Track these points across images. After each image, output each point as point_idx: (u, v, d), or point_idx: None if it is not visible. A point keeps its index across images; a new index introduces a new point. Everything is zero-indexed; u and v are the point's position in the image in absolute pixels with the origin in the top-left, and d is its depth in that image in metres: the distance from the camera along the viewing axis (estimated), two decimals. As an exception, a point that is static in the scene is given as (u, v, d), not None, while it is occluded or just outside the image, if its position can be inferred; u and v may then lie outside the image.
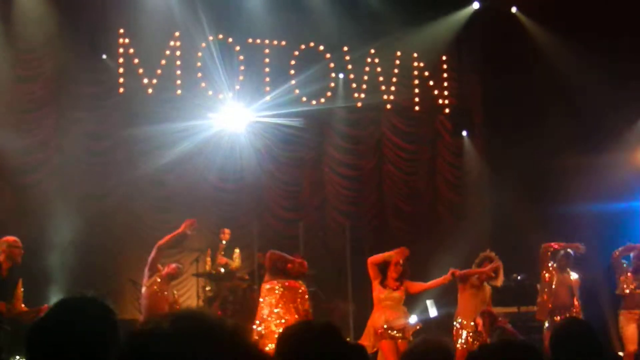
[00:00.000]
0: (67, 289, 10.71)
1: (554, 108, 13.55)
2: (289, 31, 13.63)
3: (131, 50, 12.86)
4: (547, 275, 9.80)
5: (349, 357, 2.83)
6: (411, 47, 14.34)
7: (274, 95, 13.36)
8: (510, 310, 10.95)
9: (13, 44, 12.08)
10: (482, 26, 14.21)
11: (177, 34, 13.07)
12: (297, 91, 13.56)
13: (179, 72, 13.15)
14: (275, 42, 13.72)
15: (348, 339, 10.50)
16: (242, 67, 13.46)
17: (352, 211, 14.01)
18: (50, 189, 11.82)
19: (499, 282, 9.15)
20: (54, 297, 9.97)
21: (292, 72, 13.66)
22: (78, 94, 12.55)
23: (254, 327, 8.27)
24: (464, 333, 8.78)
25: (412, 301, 9.71)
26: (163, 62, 13.02)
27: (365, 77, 14.22)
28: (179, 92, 13.14)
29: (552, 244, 9.78)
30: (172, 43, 13.09)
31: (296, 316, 8.18)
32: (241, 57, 13.45)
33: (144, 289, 9.05)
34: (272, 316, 8.25)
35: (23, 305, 8.26)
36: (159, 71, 12.98)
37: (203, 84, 13.20)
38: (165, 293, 9.05)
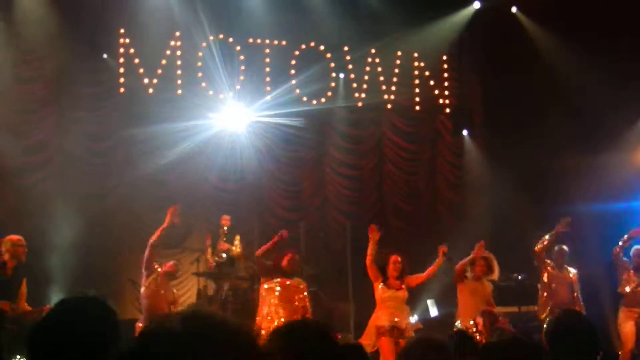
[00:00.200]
0: (67, 289, 10.71)
1: (554, 108, 13.55)
2: (289, 31, 13.64)
3: (132, 50, 12.88)
4: (545, 275, 9.80)
5: (339, 355, 2.83)
6: (412, 47, 14.36)
7: (275, 95, 13.37)
8: (511, 310, 10.93)
9: (14, 45, 12.09)
10: (483, 26, 14.22)
11: (177, 33, 13.08)
12: (297, 91, 13.57)
13: (179, 72, 13.16)
14: (276, 42, 13.73)
15: (350, 338, 10.52)
16: (242, 67, 13.46)
17: (352, 211, 14.02)
18: (50, 189, 11.81)
19: (495, 275, 9.15)
20: (55, 297, 9.98)
21: (293, 72, 13.67)
22: (78, 94, 12.56)
23: (255, 326, 8.28)
24: None
25: (413, 301, 9.71)
26: (164, 62, 13.03)
27: (366, 77, 14.23)
28: (179, 92, 13.15)
29: (542, 239, 9.73)
30: (172, 43, 13.10)
31: (295, 315, 8.19)
32: (242, 57, 13.45)
33: (142, 289, 9.04)
34: (272, 315, 8.26)
35: (26, 305, 8.27)
36: (159, 71, 12.99)
37: (203, 84, 13.21)
38: (164, 292, 9.05)
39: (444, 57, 14.72)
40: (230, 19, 13.33)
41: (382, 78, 14.32)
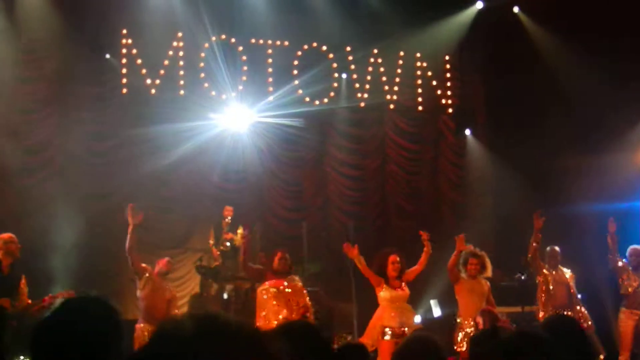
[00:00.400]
0: (69, 289, 10.70)
1: (555, 108, 13.55)
2: (291, 31, 13.63)
3: (134, 51, 12.88)
4: (541, 279, 9.78)
5: (338, 355, 2.83)
6: (414, 47, 14.35)
7: (277, 96, 13.36)
8: (514, 310, 10.93)
9: (16, 45, 12.10)
10: (485, 27, 14.21)
11: (180, 34, 13.08)
12: (300, 91, 13.58)
13: (182, 72, 13.16)
14: (278, 43, 13.72)
15: (350, 339, 10.52)
16: (245, 68, 13.46)
17: (355, 211, 14.01)
18: (51, 190, 11.79)
19: (489, 272, 9.15)
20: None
21: (295, 72, 13.66)
22: (80, 95, 12.55)
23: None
24: (460, 334, 8.74)
25: (415, 301, 9.71)
26: (166, 62, 13.02)
27: (368, 77, 14.22)
28: (181, 92, 13.14)
29: (529, 244, 9.69)
30: (175, 43, 13.10)
31: (294, 315, 8.20)
32: (244, 58, 13.45)
33: (138, 292, 9.04)
34: (271, 316, 8.26)
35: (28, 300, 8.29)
36: (162, 71, 12.99)
37: (206, 85, 13.21)
38: (161, 291, 9.03)
39: (447, 57, 14.72)
40: (232, 19, 13.33)
41: (384, 78, 14.32)
